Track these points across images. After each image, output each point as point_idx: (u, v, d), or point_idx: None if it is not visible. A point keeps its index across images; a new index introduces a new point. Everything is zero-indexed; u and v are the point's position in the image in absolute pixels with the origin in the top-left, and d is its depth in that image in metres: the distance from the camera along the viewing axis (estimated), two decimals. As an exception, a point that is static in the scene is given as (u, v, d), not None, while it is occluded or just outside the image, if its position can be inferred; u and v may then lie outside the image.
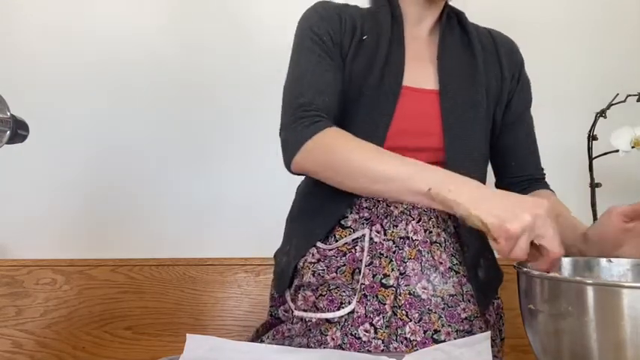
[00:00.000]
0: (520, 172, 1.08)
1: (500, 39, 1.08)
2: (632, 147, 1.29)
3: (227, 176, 1.58)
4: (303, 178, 1.06)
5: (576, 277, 0.79)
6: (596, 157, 1.37)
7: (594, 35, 1.62)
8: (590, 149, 1.38)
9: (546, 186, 1.09)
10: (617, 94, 1.35)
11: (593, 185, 1.37)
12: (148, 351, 1.46)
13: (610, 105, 1.36)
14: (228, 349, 0.80)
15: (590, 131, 1.38)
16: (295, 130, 0.88)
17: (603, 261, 0.84)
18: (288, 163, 0.91)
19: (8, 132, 0.78)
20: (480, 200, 0.74)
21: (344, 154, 0.85)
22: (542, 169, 1.11)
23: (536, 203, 0.73)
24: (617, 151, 1.30)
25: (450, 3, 1.04)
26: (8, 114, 0.78)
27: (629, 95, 1.34)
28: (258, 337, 1.03)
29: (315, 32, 0.95)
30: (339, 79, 0.94)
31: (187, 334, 0.80)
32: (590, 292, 0.62)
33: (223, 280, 1.50)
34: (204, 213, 1.58)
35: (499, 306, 1.02)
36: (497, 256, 1.04)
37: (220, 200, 1.58)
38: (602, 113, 1.37)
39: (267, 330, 1.02)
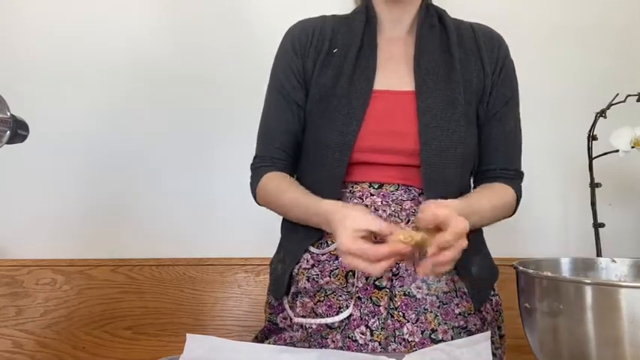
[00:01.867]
0: (495, 168, 1.02)
1: (483, 33, 1.04)
2: (632, 147, 1.29)
3: (227, 176, 1.58)
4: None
5: (574, 277, 0.79)
6: (596, 157, 1.37)
7: (594, 35, 1.62)
8: (590, 149, 1.38)
9: (509, 182, 1.02)
10: (617, 94, 1.35)
11: (593, 185, 1.37)
12: (148, 351, 1.46)
13: (610, 105, 1.36)
14: (228, 349, 0.80)
15: (590, 131, 1.38)
16: (252, 179, 1.06)
17: (605, 261, 0.84)
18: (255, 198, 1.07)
19: (8, 132, 0.78)
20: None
21: (273, 199, 1.02)
22: (516, 170, 1.04)
23: (338, 231, 0.79)
24: (617, 151, 1.30)
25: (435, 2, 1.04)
26: (8, 114, 0.78)
27: (629, 95, 1.34)
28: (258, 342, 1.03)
29: (276, 74, 1.05)
30: (295, 118, 1.03)
31: (187, 334, 0.80)
32: (588, 291, 0.62)
33: (223, 280, 1.50)
34: (204, 213, 1.58)
35: (497, 303, 1.01)
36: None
37: (220, 200, 1.58)
38: (602, 113, 1.37)
39: (266, 336, 1.02)
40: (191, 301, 1.49)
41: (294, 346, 0.93)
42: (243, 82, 1.58)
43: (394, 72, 0.99)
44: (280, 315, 1.00)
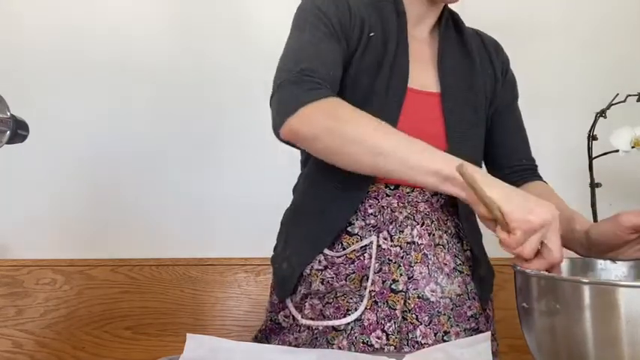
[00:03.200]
0: (512, 163, 1.06)
1: (487, 39, 1.08)
2: (632, 147, 1.29)
3: (227, 176, 1.58)
4: (301, 178, 1.04)
5: (573, 276, 0.79)
6: (596, 157, 1.37)
7: (594, 35, 1.62)
8: (590, 149, 1.38)
9: (540, 177, 1.08)
10: (617, 94, 1.35)
11: (593, 185, 1.37)
12: (148, 351, 1.46)
13: (610, 105, 1.36)
14: (228, 349, 0.80)
15: (590, 131, 1.38)
16: (293, 93, 0.81)
17: (605, 263, 0.84)
18: (278, 126, 0.81)
19: (8, 132, 0.78)
20: (502, 191, 0.73)
21: (348, 122, 0.78)
22: (534, 160, 1.09)
23: (551, 206, 0.72)
24: (617, 151, 1.30)
25: (450, 5, 1.02)
26: (8, 114, 0.78)
27: (629, 95, 1.34)
28: (267, 341, 1.00)
29: (322, 11, 0.89)
30: (341, 63, 0.89)
31: (187, 334, 0.80)
32: (585, 291, 0.62)
33: (223, 280, 1.51)
34: (204, 213, 1.58)
35: (491, 299, 1.02)
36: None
37: (220, 200, 1.58)
38: (602, 113, 1.37)
39: (267, 335, 1.00)
40: (191, 301, 1.49)
41: (299, 347, 0.92)
42: (245, 81, 1.58)
43: (422, 72, 0.98)
44: (282, 313, 0.98)
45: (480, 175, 0.73)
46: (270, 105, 0.86)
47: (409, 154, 0.76)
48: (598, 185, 1.37)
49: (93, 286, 1.49)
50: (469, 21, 1.08)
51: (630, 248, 0.82)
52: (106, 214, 1.58)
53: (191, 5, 1.63)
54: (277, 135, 0.83)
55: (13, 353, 1.46)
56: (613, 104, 1.36)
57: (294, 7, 0.96)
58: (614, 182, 1.47)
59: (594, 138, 1.37)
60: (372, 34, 0.93)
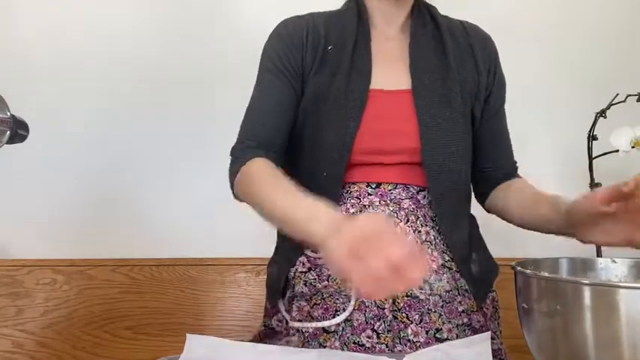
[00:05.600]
0: (495, 165, 1.06)
1: (473, 31, 1.05)
2: (632, 147, 1.29)
3: (227, 176, 1.58)
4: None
5: (573, 277, 0.79)
6: (596, 157, 1.37)
7: (594, 35, 1.62)
8: (590, 149, 1.38)
9: (518, 175, 1.08)
10: (617, 94, 1.35)
11: (593, 185, 1.37)
12: (148, 351, 1.46)
13: (610, 105, 1.36)
14: (228, 349, 0.80)
15: (590, 131, 1.38)
16: (232, 165, 0.96)
17: (605, 262, 0.84)
18: (233, 193, 0.98)
19: (8, 132, 0.78)
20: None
21: (254, 189, 0.90)
22: (516, 162, 1.09)
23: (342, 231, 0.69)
24: (617, 151, 1.30)
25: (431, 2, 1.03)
26: (8, 114, 0.78)
27: (629, 95, 1.34)
28: None
29: (269, 55, 0.99)
30: (288, 98, 0.98)
31: (187, 334, 0.80)
32: (586, 292, 0.62)
33: (223, 280, 1.51)
34: (204, 213, 1.58)
35: (494, 299, 1.01)
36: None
37: (220, 200, 1.57)
38: (602, 113, 1.37)
39: (261, 341, 1.00)
40: (191, 301, 1.49)
41: None
42: (243, 81, 1.57)
43: (389, 70, 0.98)
44: (275, 317, 0.98)
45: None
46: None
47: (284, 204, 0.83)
48: (598, 185, 1.37)
49: (93, 286, 1.49)
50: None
51: (614, 226, 0.78)
52: (106, 214, 1.58)
53: (190, 6, 1.62)
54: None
55: (13, 353, 1.46)
56: (613, 104, 1.36)
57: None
58: (614, 182, 1.47)
59: (594, 138, 1.37)
60: (329, 48, 0.97)
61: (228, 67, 1.60)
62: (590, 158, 1.37)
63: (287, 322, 0.95)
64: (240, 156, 0.96)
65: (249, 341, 1.02)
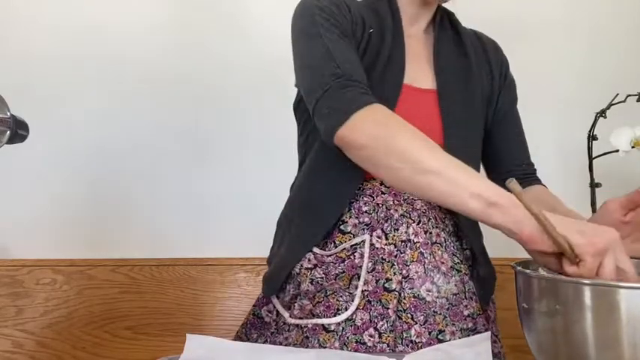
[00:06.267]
0: (511, 167, 1.07)
1: (485, 39, 1.09)
2: (632, 147, 1.29)
3: (227, 176, 1.58)
4: (297, 176, 1.04)
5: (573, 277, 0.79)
6: (596, 157, 1.37)
7: (594, 35, 1.62)
8: (590, 149, 1.38)
9: (539, 181, 1.08)
10: (617, 94, 1.35)
11: (593, 185, 1.37)
12: (148, 351, 1.46)
13: (610, 105, 1.36)
14: (228, 349, 0.80)
15: (590, 131, 1.38)
16: (342, 98, 0.81)
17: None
18: (331, 132, 0.81)
19: (8, 132, 0.78)
20: (560, 220, 0.69)
21: (395, 134, 0.77)
22: (533, 164, 1.10)
23: (609, 229, 0.69)
24: (617, 151, 1.30)
25: (444, 4, 1.03)
26: (8, 114, 0.78)
27: (629, 95, 1.34)
28: (246, 337, 0.99)
29: (328, 13, 0.90)
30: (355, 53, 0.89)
31: (187, 334, 0.80)
32: (586, 292, 0.62)
33: (223, 280, 1.51)
34: (204, 213, 1.58)
35: (493, 301, 1.02)
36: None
37: (220, 200, 1.58)
38: (602, 113, 1.37)
39: (248, 330, 0.98)
40: (191, 301, 1.49)
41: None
42: (245, 82, 1.58)
43: (418, 69, 0.98)
44: (265, 308, 0.97)
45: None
46: (315, 112, 0.84)
47: (457, 175, 0.74)
48: (598, 185, 1.37)
49: (93, 286, 1.49)
50: (470, 20, 1.08)
51: (628, 238, 0.82)
52: (106, 214, 1.58)
53: (190, 5, 1.62)
54: (329, 142, 0.83)
55: (13, 353, 1.46)
56: (613, 104, 1.36)
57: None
58: (614, 182, 1.47)
59: (594, 138, 1.37)
60: (371, 30, 0.95)
61: (228, 67, 1.60)
62: (590, 158, 1.37)
63: (277, 314, 0.94)
64: (355, 92, 0.81)
65: (238, 330, 1.01)
